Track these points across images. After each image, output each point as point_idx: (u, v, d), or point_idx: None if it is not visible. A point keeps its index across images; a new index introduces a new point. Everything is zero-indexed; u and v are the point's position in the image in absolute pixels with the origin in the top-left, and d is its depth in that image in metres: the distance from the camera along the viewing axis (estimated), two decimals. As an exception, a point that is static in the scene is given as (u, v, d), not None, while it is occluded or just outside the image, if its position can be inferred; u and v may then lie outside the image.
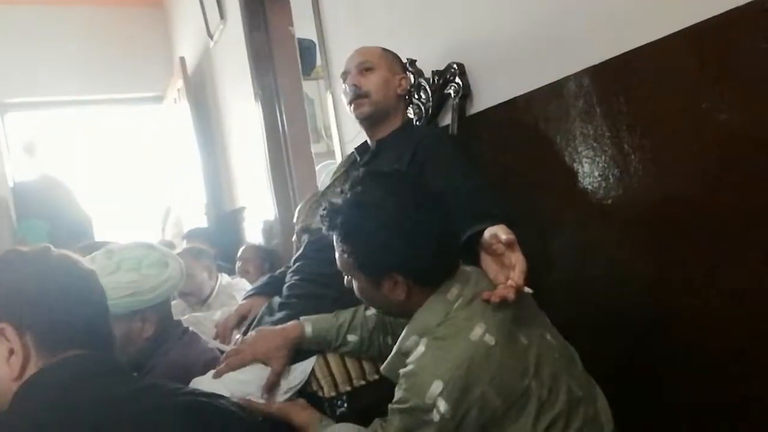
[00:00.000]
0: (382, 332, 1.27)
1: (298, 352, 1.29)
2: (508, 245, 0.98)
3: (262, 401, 1.21)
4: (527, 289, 0.95)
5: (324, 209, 1.05)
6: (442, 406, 0.90)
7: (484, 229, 1.05)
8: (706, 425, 1.12)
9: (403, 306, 1.05)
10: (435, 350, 0.96)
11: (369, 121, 1.55)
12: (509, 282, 0.95)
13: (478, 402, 0.91)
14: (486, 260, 1.04)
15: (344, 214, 1.02)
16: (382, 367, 1.10)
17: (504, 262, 1.00)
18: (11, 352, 0.83)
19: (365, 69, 1.53)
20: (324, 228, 1.06)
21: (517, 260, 0.97)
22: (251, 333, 1.35)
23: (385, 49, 1.60)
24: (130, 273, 1.31)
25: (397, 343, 1.05)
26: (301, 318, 1.31)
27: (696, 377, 1.12)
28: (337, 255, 1.07)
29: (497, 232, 1.00)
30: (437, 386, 0.90)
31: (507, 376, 0.93)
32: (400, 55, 1.63)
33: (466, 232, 1.10)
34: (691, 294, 1.10)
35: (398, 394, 0.97)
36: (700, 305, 1.09)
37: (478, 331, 0.95)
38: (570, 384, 0.98)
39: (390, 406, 0.99)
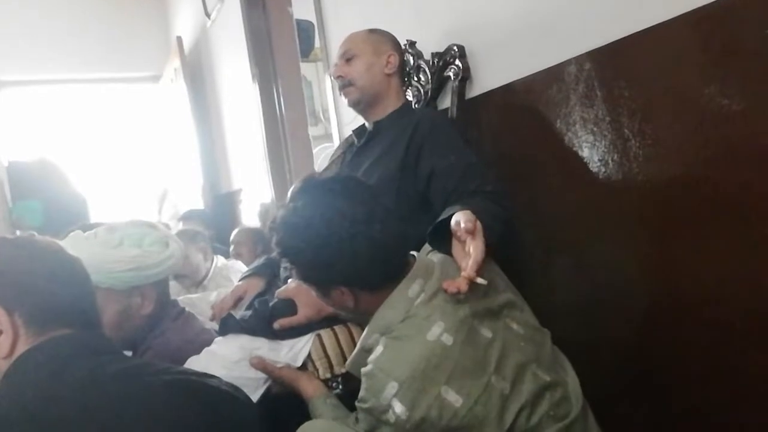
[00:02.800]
0: None
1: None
2: (467, 232, 0.95)
3: (277, 363, 1.25)
4: (480, 280, 0.92)
5: (269, 225, 1.08)
6: (397, 407, 0.91)
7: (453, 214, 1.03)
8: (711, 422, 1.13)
9: (356, 310, 1.08)
10: (392, 351, 0.97)
11: (360, 107, 1.58)
12: (462, 273, 0.93)
13: (435, 402, 0.91)
14: (455, 247, 1.02)
15: (277, 233, 1.04)
16: (346, 364, 1.13)
17: (465, 250, 0.98)
18: (0, 332, 0.84)
19: (348, 58, 1.55)
20: (272, 243, 1.08)
21: (474, 249, 0.93)
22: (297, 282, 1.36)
23: (371, 31, 1.58)
24: (133, 248, 1.31)
25: (360, 340, 1.07)
26: None
27: (699, 363, 1.12)
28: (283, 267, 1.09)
29: (460, 218, 0.98)
30: (392, 387, 0.92)
31: (465, 375, 0.93)
32: (396, 35, 1.60)
33: (442, 215, 1.09)
34: (691, 280, 1.10)
35: (360, 392, 0.98)
36: (701, 291, 1.09)
37: (435, 331, 0.95)
38: (536, 371, 0.99)
39: (356, 403, 1.00)
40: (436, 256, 1.09)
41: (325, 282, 1.05)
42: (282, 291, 1.34)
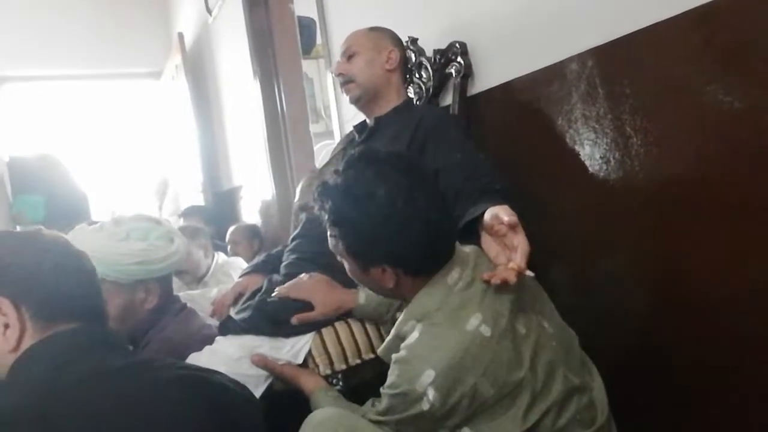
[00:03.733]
0: None
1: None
2: (511, 227, 0.96)
3: (279, 361, 1.26)
4: (529, 272, 0.94)
5: (317, 188, 1.04)
6: (431, 395, 0.90)
7: (485, 210, 1.04)
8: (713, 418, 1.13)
9: (392, 292, 1.06)
10: (429, 338, 0.95)
11: (360, 103, 1.58)
12: (511, 264, 0.94)
13: (469, 392, 0.91)
14: (487, 241, 1.03)
15: (334, 200, 1.00)
16: (379, 350, 1.10)
17: (506, 244, 0.99)
18: (7, 325, 0.83)
19: (350, 56, 1.56)
20: (315, 208, 1.05)
21: (520, 242, 0.95)
22: (312, 275, 1.37)
23: (372, 29, 1.59)
24: (139, 242, 1.32)
25: (395, 327, 1.04)
26: (359, 287, 1.31)
27: (702, 366, 1.13)
28: (328, 235, 1.06)
29: (499, 213, 0.99)
30: (428, 375, 0.90)
31: (501, 368, 0.92)
32: (398, 32, 1.61)
33: (467, 211, 1.09)
34: (693, 278, 1.10)
35: (390, 378, 0.97)
36: (703, 289, 1.09)
37: (474, 322, 0.94)
38: (566, 373, 0.98)
39: (381, 389, 0.99)
40: (467, 247, 1.07)
41: (371, 258, 1.01)
42: (296, 286, 1.34)
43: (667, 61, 1.08)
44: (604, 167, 1.24)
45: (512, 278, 0.92)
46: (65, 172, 3.61)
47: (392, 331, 1.05)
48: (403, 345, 0.98)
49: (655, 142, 1.13)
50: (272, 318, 1.31)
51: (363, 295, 1.31)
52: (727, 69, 0.99)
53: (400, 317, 1.04)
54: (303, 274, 1.38)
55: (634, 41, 1.13)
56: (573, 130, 1.30)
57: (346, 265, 1.08)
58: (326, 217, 1.02)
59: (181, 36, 4.05)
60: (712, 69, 1.01)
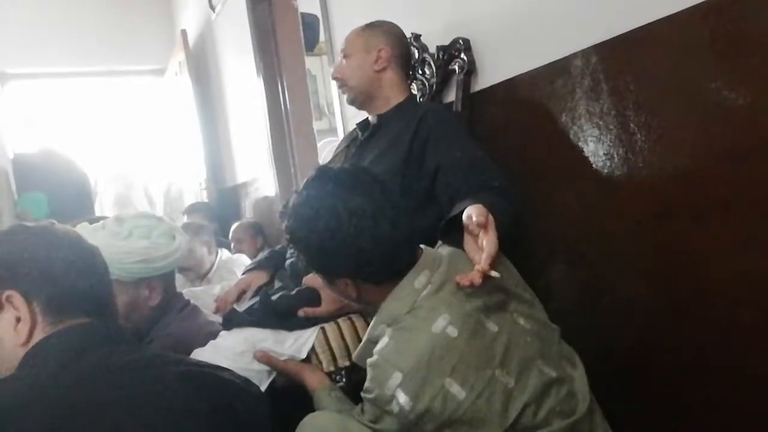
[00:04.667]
0: None
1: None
2: (480, 226, 0.95)
3: (282, 356, 1.27)
4: (494, 274, 0.93)
5: (281, 209, 1.09)
6: (401, 397, 0.91)
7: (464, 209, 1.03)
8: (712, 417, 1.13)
9: (359, 301, 1.11)
10: (397, 341, 0.98)
11: (356, 104, 1.60)
12: (476, 267, 0.93)
13: (439, 394, 0.91)
14: (467, 241, 1.02)
15: (289, 220, 1.06)
16: (353, 355, 1.13)
17: (478, 244, 0.98)
18: (18, 319, 0.84)
19: (344, 57, 1.57)
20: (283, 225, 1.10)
21: (488, 243, 0.94)
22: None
23: (366, 26, 1.57)
24: (142, 240, 1.32)
25: (367, 331, 1.08)
26: None
27: (701, 358, 1.12)
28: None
29: (471, 213, 0.98)
30: (396, 377, 0.92)
31: (469, 367, 0.93)
32: (399, 29, 1.58)
33: (455, 210, 1.09)
34: (697, 275, 1.10)
35: (366, 383, 0.99)
36: (707, 287, 1.08)
37: (441, 323, 0.96)
38: (542, 367, 0.99)
39: (361, 393, 1.01)
40: (444, 249, 1.09)
41: (329, 272, 1.08)
42: (310, 278, 1.34)
43: (671, 57, 1.08)
44: (608, 163, 1.23)
45: (476, 280, 0.92)
46: (69, 168, 3.60)
47: (365, 336, 1.08)
48: (375, 350, 1.00)
49: (659, 139, 1.12)
50: (276, 311, 1.31)
51: None
52: (731, 65, 0.99)
53: (372, 322, 1.07)
54: None
55: (638, 37, 1.12)
56: (577, 126, 1.29)
57: (319, 278, 1.13)
58: (285, 236, 1.08)
59: (184, 33, 4.05)
60: (716, 65, 1.01)
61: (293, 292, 1.35)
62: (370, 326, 1.07)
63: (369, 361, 0.99)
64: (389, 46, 1.54)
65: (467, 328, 0.96)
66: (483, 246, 0.94)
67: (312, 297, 1.31)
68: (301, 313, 1.28)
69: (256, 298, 1.37)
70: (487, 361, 0.95)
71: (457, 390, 0.91)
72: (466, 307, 0.98)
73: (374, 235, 0.99)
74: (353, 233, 0.98)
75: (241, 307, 1.36)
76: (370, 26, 1.58)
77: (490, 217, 0.97)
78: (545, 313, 1.10)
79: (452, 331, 0.95)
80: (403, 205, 1.06)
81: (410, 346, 0.95)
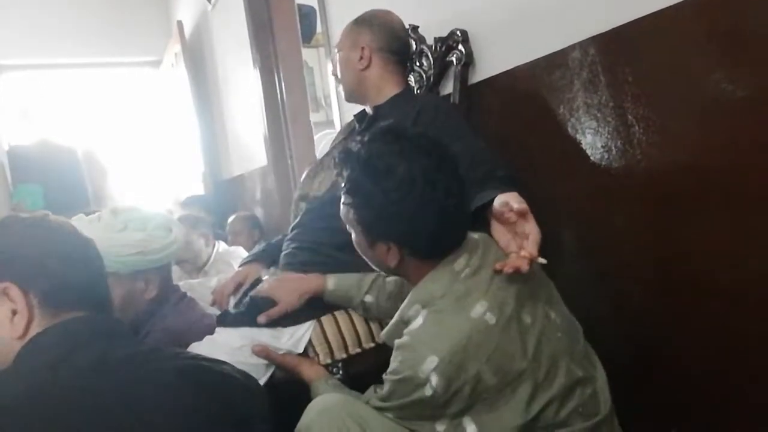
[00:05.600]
0: (399, 299, 1.26)
1: (303, 310, 1.31)
2: (521, 214, 0.96)
3: (279, 350, 1.27)
4: (541, 260, 0.93)
5: (340, 153, 1.03)
6: (434, 381, 0.90)
7: (493, 197, 1.04)
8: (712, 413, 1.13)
9: (394, 271, 1.06)
10: (433, 324, 0.95)
11: (351, 101, 1.59)
12: (522, 252, 0.93)
13: (472, 380, 0.90)
14: (497, 229, 1.02)
15: (353, 169, 0.99)
16: (381, 333, 1.09)
17: (516, 231, 0.98)
18: (15, 312, 0.83)
19: (337, 52, 1.56)
20: (335, 173, 1.05)
21: (531, 230, 0.95)
22: (275, 276, 1.39)
23: (356, 21, 1.55)
24: (137, 232, 1.32)
25: (399, 311, 1.03)
26: (328, 274, 1.32)
27: (701, 354, 1.12)
28: (341, 202, 1.04)
29: (509, 200, 0.98)
30: (432, 361, 0.90)
31: (504, 357, 0.92)
32: (391, 20, 1.54)
33: (473, 199, 1.08)
34: (695, 268, 1.10)
35: (393, 365, 0.96)
36: (705, 279, 1.08)
37: (479, 309, 0.93)
38: (570, 365, 0.97)
39: (384, 375, 0.99)
40: (476, 234, 1.06)
41: (379, 233, 1.00)
42: (258, 291, 1.35)
43: (669, 49, 1.07)
44: (606, 156, 1.23)
45: (524, 267, 0.91)
46: (65, 160, 3.59)
47: (396, 316, 1.04)
48: (406, 331, 0.97)
49: (657, 131, 1.12)
50: (263, 310, 1.30)
51: (332, 281, 1.31)
52: (730, 57, 0.98)
53: (405, 301, 1.02)
54: (265, 279, 1.41)
55: (637, 29, 1.12)
56: (575, 118, 1.29)
57: (353, 236, 1.06)
58: (343, 183, 1.01)
59: (180, 24, 4.03)
60: (715, 57, 1.00)
61: (247, 301, 1.35)
62: (402, 305, 1.02)
63: (399, 342, 0.96)
64: (374, 42, 1.50)
65: (504, 316, 0.94)
66: (526, 233, 0.95)
67: (265, 302, 1.30)
68: (261, 319, 1.27)
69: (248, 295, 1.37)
70: (522, 353, 0.93)
71: (489, 377, 0.91)
72: (503, 295, 0.96)
73: (442, 208, 0.95)
74: (422, 201, 0.94)
75: (232, 303, 1.37)
76: (358, 21, 1.55)
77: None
78: (568, 310, 1.09)
79: (490, 318, 0.93)
80: (466, 184, 1.01)
81: (447, 330, 0.92)
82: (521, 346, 0.94)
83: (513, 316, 0.95)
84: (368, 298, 1.30)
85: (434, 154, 0.97)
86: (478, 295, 0.95)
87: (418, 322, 0.96)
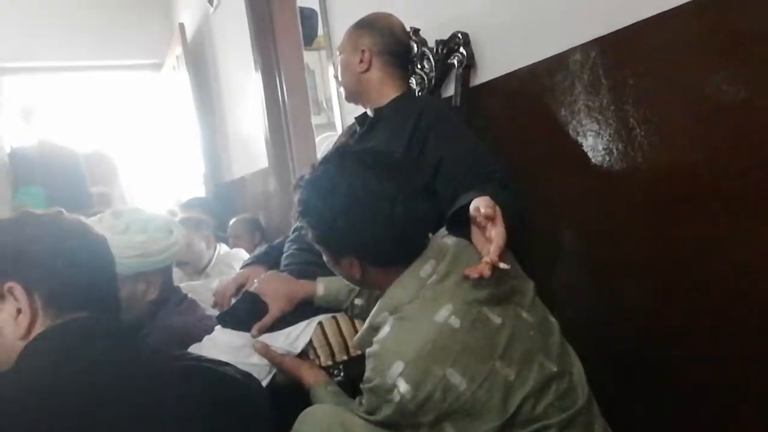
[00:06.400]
0: None
1: (299, 310, 1.31)
2: (488, 218, 0.96)
3: (278, 350, 1.27)
4: (503, 265, 0.93)
5: (296, 180, 1.08)
6: (402, 386, 0.91)
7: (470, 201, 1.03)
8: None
9: (363, 283, 1.10)
10: (399, 330, 0.97)
11: (352, 102, 1.60)
12: (485, 258, 0.93)
13: (440, 383, 0.91)
14: (474, 233, 1.02)
15: (302, 192, 1.05)
16: (354, 340, 1.13)
17: (486, 236, 0.98)
18: (19, 311, 0.83)
19: (339, 54, 1.56)
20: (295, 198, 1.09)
21: (496, 235, 0.95)
22: (269, 273, 1.39)
23: (355, 25, 1.56)
24: (139, 234, 1.32)
25: (369, 318, 1.06)
26: (318, 278, 1.33)
27: (702, 354, 1.12)
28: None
29: (479, 205, 0.98)
30: (398, 366, 0.92)
31: (470, 358, 0.93)
32: (392, 23, 1.54)
33: (460, 201, 1.09)
34: (695, 270, 1.10)
35: (366, 373, 0.98)
36: (705, 281, 1.08)
37: (443, 313, 0.95)
38: (543, 361, 0.98)
39: (360, 384, 1.00)
40: (450, 239, 1.08)
41: (338, 249, 1.05)
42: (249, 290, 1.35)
43: (670, 51, 1.08)
44: (607, 158, 1.23)
45: (486, 272, 0.92)
46: (66, 161, 3.59)
47: (366, 323, 1.07)
48: (375, 339, 0.99)
49: (659, 133, 1.12)
50: (260, 317, 1.30)
51: (321, 287, 1.32)
52: (731, 59, 0.98)
53: (374, 309, 1.05)
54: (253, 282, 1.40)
55: (638, 31, 1.12)
56: (576, 121, 1.29)
57: (323, 255, 1.11)
58: (297, 208, 1.06)
59: (182, 27, 4.04)
60: (716, 59, 1.00)
61: (235, 304, 1.35)
62: (372, 313, 1.05)
63: (369, 350, 0.99)
64: (374, 46, 1.50)
65: (469, 319, 0.95)
66: (491, 237, 0.95)
67: (253, 305, 1.29)
68: (254, 332, 1.27)
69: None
70: (489, 353, 0.94)
71: (458, 380, 0.91)
72: (469, 298, 0.97)
73: (389, 217, 0.98)
74: (368, 212, 0.97)
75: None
76: (359, 24, 1.55)
77: (497, 208, 0.97)
78: (545, 307, 1.10)
79: (455, 322, 0.94)
80: (421, 189, 1.04)
81: (412, 336, 0.94)
82: (489, 346, 0.95)
83: (480, 318, 0.96)
84: (358, 302, 1.31)
85: (377, 166, 1.01)
86: (444, 299, 0.97)
87: (385, 330, 0.99)
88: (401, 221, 0.99)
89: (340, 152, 1.06)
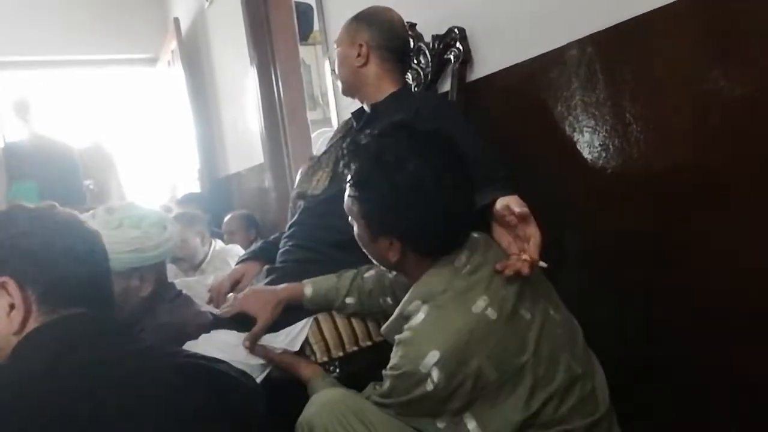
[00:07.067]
0: (380, 294, 1.26)
1: (298, 309, 1.30)
2: (521, 218, 0.96)
3: (276, 349, 1.26)
4: (542, 264, 0.94)
5: (348, 145, 1.03)
6: (436, 375, 0.89)
7: (493, 199, 1.03)
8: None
9: (394, 266, 1.06)
10: (435, 319, 0.94)
11: (349, 97, 1.59)
12: (524, 256, 0.94)
13: (473, 374, 0.90)
14: (498, 231, 1.02)
15: (362, 162, 0.99)
16: (382, 328, 1.09)
17: (518, 234, 0.98)
18: (12, 306, 0.82)
19: (336, 47, 1.54)
20: (341, 164, 1.03)
21: (532, 233, 0.96)
22: (246, 289, 1.37)
23: (353, 18, 1.53)
24: (133, 230, 1.31)
25: (400, 306, 1.03)
26: (304, 280, 1.31)
27: (701, 354, 1.12)
28: (346, 195, 1.03)
29: (510, 204, 0.98)
30: (433, 356, 0.89)
31: (505, 352, 0.92)
32: (390, 17, 1.52)
33: (482, 198, 1.07)
34: (692, 265, 1.10)
35: (393, 360, 0.96)
36: (702, 276, 1.08)
37: (480, 304, 0.93)
38: (570, 362, 0.97)
39: (384, 372, 0.98)
40: (475, 232, 1.06)
41: (383, 228, 0.99)
42: (229, 308, 1.34)
43: (667, 47, 1.07)
44: (604, 154, 1.23)
45: (525, 270, 0.92)
46: (60, 157, 3.56)
47: (396, 311, 1.03)
48: (406, 326, 0.97)
49: (655, 129, 1.12)
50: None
51: (309, 288, 1.29)
52: (728, 55, 0.98)
53: (405, 297, 1.01)
54: (230, 294, 1.40)
55: (635, 27, 1.12)
56: (572, 116, 1.29)
57: (356, 229, 1.06)
58: (350, 176, 1.01)
59: (177, 21, 4.01)
60: (713, 55, 1.00)
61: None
62: (403, 300, 1.02)
63: (400, 337, 0.96)
64: (372, 40, 1.49)
65: (505, 312, 0.94)
66: (528, 236, 0.95)
67: (239, 325, 1.28)
68: (245, 343, 1.25)
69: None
70: (522, 348, 0.93)
71: (490, 372, 0.90)
72: (504, 292, 0.96)
73: (448, 207, 0.95)
74: (430, 198, 0.94)
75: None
76: (358, 18, 1.54)
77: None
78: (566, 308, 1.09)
79: (491, 314, 0.93)
80: (472, 182, 1.01)
81: (449, 325, 0.92)
82: (522, 342, 0.94)
83: (513, 312, 0.95)
84: (349, 300, 1.29)
85: (445, 152, 0.97)
86: (480, 290, 0.95)
87: (419, 317, 0.96)
88: (458, 211, 0.97)
89: (408, 129, 0.99)
